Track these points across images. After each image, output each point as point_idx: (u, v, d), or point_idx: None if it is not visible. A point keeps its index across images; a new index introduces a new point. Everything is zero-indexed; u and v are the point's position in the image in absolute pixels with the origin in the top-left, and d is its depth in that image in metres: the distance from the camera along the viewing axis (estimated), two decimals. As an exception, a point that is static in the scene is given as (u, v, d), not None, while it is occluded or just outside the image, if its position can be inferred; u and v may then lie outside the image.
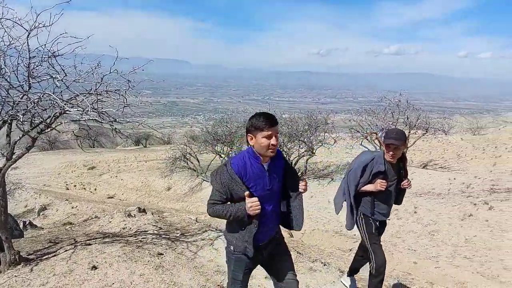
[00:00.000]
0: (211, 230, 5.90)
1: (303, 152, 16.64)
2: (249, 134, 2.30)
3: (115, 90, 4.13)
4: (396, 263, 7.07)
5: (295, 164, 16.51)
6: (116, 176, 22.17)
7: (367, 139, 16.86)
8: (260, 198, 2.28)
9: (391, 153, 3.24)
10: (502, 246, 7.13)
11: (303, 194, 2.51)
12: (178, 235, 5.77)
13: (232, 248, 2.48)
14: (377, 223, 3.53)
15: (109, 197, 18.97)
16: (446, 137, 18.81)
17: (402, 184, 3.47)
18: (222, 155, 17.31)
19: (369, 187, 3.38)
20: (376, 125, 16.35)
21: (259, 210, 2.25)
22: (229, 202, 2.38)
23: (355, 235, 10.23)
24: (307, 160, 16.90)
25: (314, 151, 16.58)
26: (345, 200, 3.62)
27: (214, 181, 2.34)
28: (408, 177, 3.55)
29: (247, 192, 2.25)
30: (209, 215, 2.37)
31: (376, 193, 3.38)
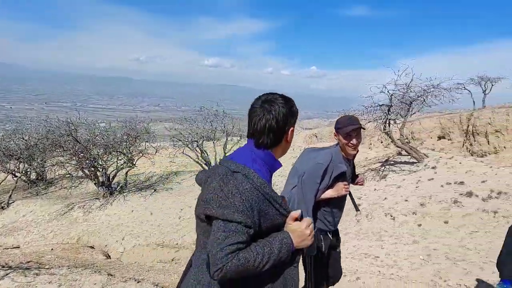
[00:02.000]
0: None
1: (122, 164, 15.60)
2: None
3: None
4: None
5: (113, 177, 15.29)
6: None
7: (189, 147, 17.30)
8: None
9: (354, 141, 2.73)
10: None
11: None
12: None
13: None
14: (330, 234, 2.97)
15: None
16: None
17: (356, 181, 3.06)
18: (17, 174, 14.31)
19: (329, 194, 2.79)
20: (197, 133, 17.01)
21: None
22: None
23: (177, 244, 10.27)
24: (127, 172, 15.93)
25: (134, 163, 15.80)
26: None
27: (225, 206, 1.27)
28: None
29: (298, 211, 1.45)
30: (228, 275, 1.22)
31: (330, 200, 2.84)
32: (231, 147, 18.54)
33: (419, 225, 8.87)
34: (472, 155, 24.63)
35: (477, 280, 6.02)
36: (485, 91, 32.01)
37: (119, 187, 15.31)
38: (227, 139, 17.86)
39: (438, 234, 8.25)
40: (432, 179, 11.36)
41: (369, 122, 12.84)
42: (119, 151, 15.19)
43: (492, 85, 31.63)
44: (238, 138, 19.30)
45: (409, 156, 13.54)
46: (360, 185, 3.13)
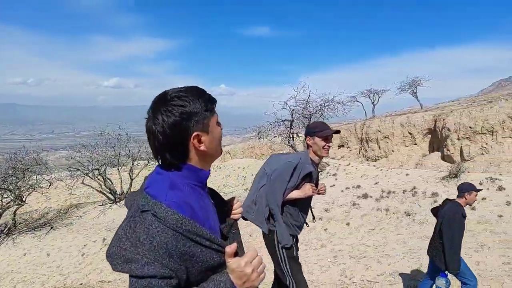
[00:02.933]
0: None
1: (8, 203, 13.53)
2: None
3: None
4: None
5: (-3, 219, 13.16)
6: None
7: (89, 176, 15.86)
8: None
9: (330, 144, 2.83)
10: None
11: None
12: None
13: None
14: (293, 240, 2.93)
15: None
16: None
17: (318, 189, 2.98)
18: None
19: (295, 194, 2.79)
20: (97, 160, 15.72)
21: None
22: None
23: (81, 284, 9.20)
24: (15, 211, 13.86)
25: (24, 199, 13.85)
26: (268, 219, 2.81)
27: (132, 260, 1.00)
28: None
29: (233, 245, 1.12)
30: None
31: (297, 202, 2.84)
32: (139, 172, 17.58)
33: (325, 229, 9.49)
34: (367, 160, 27.62)
35: (376, 273, 6.65)
36: (373, 102, 36.56)
37: (6, 229, 13.23)
38: (133, 164, 16.90)
39: (342, 236, 8.93)
40: (334, 185, 12.37)
41: (274, 137, 13.46)
42: (3, 188, 13.18)
43: (379, 96, 36.30)
44: (146, 162, 18.39)
45: (314, 166, 14.54)
46: (321, 193, 3.00)
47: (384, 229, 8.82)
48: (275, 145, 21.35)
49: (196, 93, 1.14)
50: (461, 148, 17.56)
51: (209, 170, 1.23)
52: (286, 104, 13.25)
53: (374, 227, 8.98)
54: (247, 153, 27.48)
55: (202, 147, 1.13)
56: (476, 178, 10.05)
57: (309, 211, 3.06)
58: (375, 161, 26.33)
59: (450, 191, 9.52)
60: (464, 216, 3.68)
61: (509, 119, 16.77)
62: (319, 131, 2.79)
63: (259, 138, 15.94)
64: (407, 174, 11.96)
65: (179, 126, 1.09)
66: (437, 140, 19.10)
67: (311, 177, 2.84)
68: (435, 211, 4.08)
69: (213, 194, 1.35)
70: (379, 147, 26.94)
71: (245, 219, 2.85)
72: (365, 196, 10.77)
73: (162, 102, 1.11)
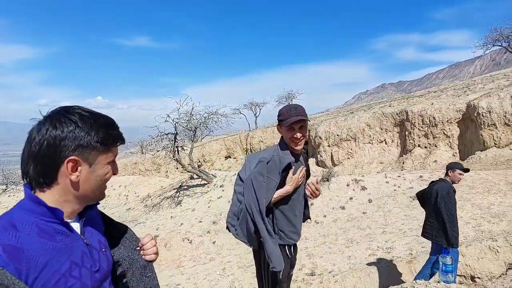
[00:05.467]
0: None
1: None
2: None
3: None
4: None
5: None
6: None
7: None
8: None
9: (298, 135, 2.22)
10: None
11: None
12: None
13: None
14: (291, 249, 2.40)
15: None
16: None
17: (309, 193, 2.41)
18: None
19: (285, 190, 2.23)
20: None
21: None
22: None
23: None
24: None
25: None
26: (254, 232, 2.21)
27: None
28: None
29: None
30: None
31: (287, 202, 2.30)
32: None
33: (214, 242, 9.35)
34: (252, 169, 28.86)
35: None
36: (255, 114, 38.61)
37: None
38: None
39: (230, 247, 8.92)
40: (221, 196, 12.37)
41: (158, 151, 12.84)
42: None
43: (260, 108, 38.54)
44: (4, 187, 15.48)
45: (200, 179, 14.34)
46: (313, 196, 2.44)
47: (270, 235, 9.16)
48: (160, 159, 20.47)
49: (100, 121, 1.02)
50: (331, 154, 19.72)
51: (61, 212, 0.99)
52: (169, 117, 12.80)
53: (260, 235, 9.25)
54: (129, 169, 25.71)
55: (74, 177, 0.98)
56: (344, 180, 11.31)
57: (305, 208, 2.53)
58: (260, 170, 27.72)
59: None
60: (454, 191, 4.04)
61: (367, 127, 19.60)
62: (283, 119, 2.28)
63: (142, 153, 14.98)
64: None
65: (59, 142, 0.96)
66: (311, 147, 21.08)
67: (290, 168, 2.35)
68: (420, 194, 4.44)
69: (106, 221, 1.20)
70: (263, 156, 28.54)
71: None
72: (250, 205, 11.06)
73: (60, 114, 0.99)
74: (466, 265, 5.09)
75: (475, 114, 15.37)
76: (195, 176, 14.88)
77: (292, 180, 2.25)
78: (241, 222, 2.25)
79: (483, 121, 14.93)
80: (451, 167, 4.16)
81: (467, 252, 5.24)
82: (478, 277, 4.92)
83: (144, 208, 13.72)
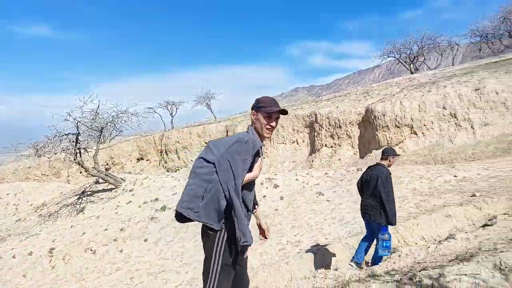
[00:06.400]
0: None
1: None
2: None
3: None
4: None
5: None
6: None
7: None
8: None
9: (274, 124, 2.43)
10: None
11: None
12: None
13: None
14: None
15: None
16: None
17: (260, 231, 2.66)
18: None
19: (251, 175, 2.32)
20: None
21: None
22: None
23: None
24: None
25: None
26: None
27: None
28: None
29: None
30: None
31: (249, 187, 2.38)
32: None
33: (121, 250, 8.70)
34: (168, 171, 27.79)
35: (174, 285, 6.52)
36: (171, 113, 37.38)
37: None
38: None
39: (139, 254, 8.39)
40: (131, 201, 11.61)
41: (55, 153, 11.51)
42: None
43: (177, 108, 37.43)
44: None
45: (107, 183, 13.27)
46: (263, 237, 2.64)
47: (183, 238, 8.85)
48: (59, 162, 18.39)
49: None
50: (247, 154, 20.10)
51: None
52: (70, 115, 11.56)
53: (173, 238, 8.89)
54: (21, 175, 22.59)
55: None
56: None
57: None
58: (175, 171, 26.82)
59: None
60: (390, 174, 4.41)
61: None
62: (265, 106, 2.42)
63: (38, 156, 13.28)
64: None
65: None
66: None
67: (259, 153, 2.42)
68: (359, 181, 4.80)
69: None
70: (179, 158, 27.65)
71: (184, 220, 2.27)
72: (163, 208, 10.57)
73: None
74: (363, 252, 5.54)
75: (372, 117, 17.12)
76: (100, 181, 13.72)
77: (259, 166, 2.37)
78: (207, 202, 2.21)
79: (379, 123, 16.69)
80: (390, 153, 4.56)
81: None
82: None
83: (39, 218, 12.16)
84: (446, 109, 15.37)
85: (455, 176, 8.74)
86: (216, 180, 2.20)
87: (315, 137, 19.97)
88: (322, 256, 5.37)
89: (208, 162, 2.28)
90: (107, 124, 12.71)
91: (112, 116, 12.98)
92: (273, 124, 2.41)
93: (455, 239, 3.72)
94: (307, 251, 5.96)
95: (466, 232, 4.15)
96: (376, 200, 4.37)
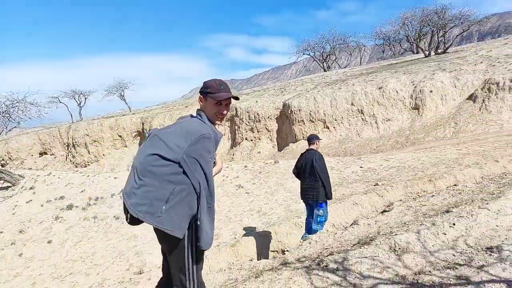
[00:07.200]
0: None
1: None
2: None
3: None
4: None
5: None
6: None
7: None
8: None
9: (225, 112, 2.22)
10: None
11: None
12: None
13: None
14: None
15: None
16: None
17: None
18: None
19: (217, 169, 2.28)
20: None
21: None
22: None
23: None
24: None
25: None
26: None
27: None
28: None
29: None
30: None
31: None
32: None
33: (20, 254, 7.76)
34: (76, 166, 25.47)
35: (84, 287, 6.06)
36: (79, 104, 34.17)
37: None
38: None
39: (43, 257, 7.59)
40: (31, 200, 10.39)
41: None
42: None
43: (86, 98, 34.31)
44: None
45: (2, 181, 11.67)
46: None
47: (93, 238, 8.24)
48: None
49: None
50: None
51: None
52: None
53: (81, 239, 8.21)
54: None
55: None
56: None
57: None
58: (85, 167, 24.77)
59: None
60: (321, 155, 5.04)
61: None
62: (213, 92, 2.19)
63: None
64: (115, 178, 11.80)
65: None
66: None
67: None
68: (295, 169, 5.28)
69: None
70: (89, 152, 25.52)
71: (137, 222, 1.99)
72: (70, 207, 9.68)
73: None
74: (278, 241, 5.81)
75: (289, 112, 17.94)
76: (-6, 178, 12.03)
77: (220, 164, 2.31)
78: (174, 206, 1.94)
79: (295, 117, 17.57)
80: (315, 138, 5.19)
81: (279, 230, 5.99)
82: (287, 250, 5.68)
83: None
84: (354, 105, 16.85)
85: (361, 167, 9.64)
86: (185, 182, 1.97)
87: (236, 131, 20.21)
88: (241, 248, 5.48)
89: (168, 160, 2.00)
90: (0, 114, 11.18)
91: (6, 106, 11.46)
92: (224, 112, 2.22)
93: (358, 224, 4.11)
94: (226, 243, 6.03)
95: (368, 218, 4.62)
96: (315, 179, 4.87)
